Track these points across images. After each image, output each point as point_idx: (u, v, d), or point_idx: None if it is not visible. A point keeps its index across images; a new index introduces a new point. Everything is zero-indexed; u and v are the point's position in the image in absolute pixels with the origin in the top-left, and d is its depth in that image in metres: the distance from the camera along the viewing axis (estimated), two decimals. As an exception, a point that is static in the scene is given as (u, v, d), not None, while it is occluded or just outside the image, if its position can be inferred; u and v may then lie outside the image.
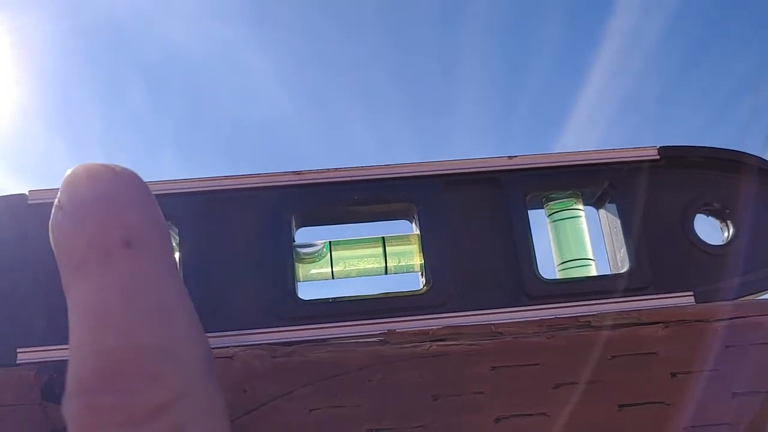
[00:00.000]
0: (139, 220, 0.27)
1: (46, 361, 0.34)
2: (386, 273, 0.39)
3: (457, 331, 0.36)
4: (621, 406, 0.35)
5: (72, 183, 0.27)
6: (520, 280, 0.38)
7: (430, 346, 0.35)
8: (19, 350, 0.34)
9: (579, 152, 0.41)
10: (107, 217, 0.26)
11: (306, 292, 0.38)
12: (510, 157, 0.40)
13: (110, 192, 0.27)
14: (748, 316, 0.37)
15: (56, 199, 0.27)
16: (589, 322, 0.37)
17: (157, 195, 0.37)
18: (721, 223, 0.42)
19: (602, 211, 0.42)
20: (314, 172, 0.39)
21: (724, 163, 0.42)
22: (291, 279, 0.37)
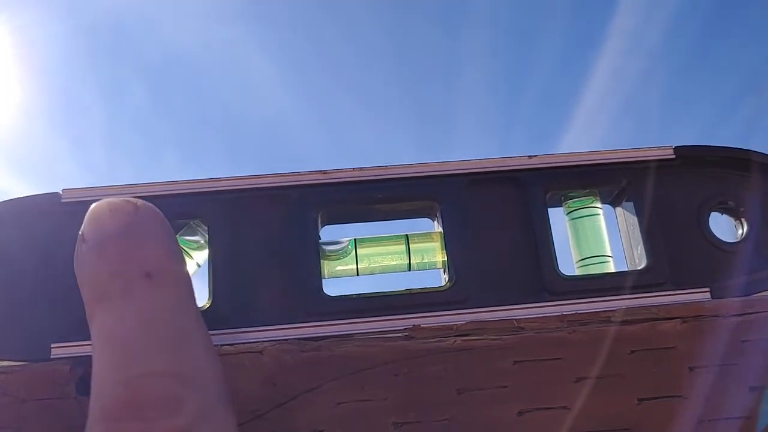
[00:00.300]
0: (159, 252, 0.28)
1: (80, 356, 0.35)
2: (410, 270, 0.40)
3: (480, 327, 0.37)
4: (640, 399, 0.36)
5: (95, 216, 0.28)
6: (540, 276, 0.39)
7: (454, 341, 0.36)
8: (53, 345, 0.35)
9: (597, 152, 0.42)
10: (128, 249, 0.28)
11: (332, 288, 0.38)
12: (530, 157, 0.41)
13: (131, 225, 0.28)
14: (764, 311, 0.38)
15: (80, 232, 0.28)
16: (609, 317, 0.37)
17: (186, 194, 0.38)
18: (735, 220, 0.43)
19: (619, 209, 0.43)
20: (339, 171, 0.39)
21: (738, 162, 0.43)
22: (317, 276, 0.38)
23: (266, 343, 0.35)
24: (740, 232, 0.42)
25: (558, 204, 0.43)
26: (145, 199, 0.37)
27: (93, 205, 0.29)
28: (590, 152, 0.42)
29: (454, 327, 0.37)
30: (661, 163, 0.42)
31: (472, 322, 0.37)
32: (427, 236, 0.40)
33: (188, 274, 0.30)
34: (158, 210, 0.30)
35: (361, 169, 0.40)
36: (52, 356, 0.35)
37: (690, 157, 0.42)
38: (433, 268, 0.40)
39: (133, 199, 0.29)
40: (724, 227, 0.43)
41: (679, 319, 0.38)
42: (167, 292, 0.28)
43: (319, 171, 0.39)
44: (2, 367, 0.35)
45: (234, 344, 0.35)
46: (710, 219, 0.42)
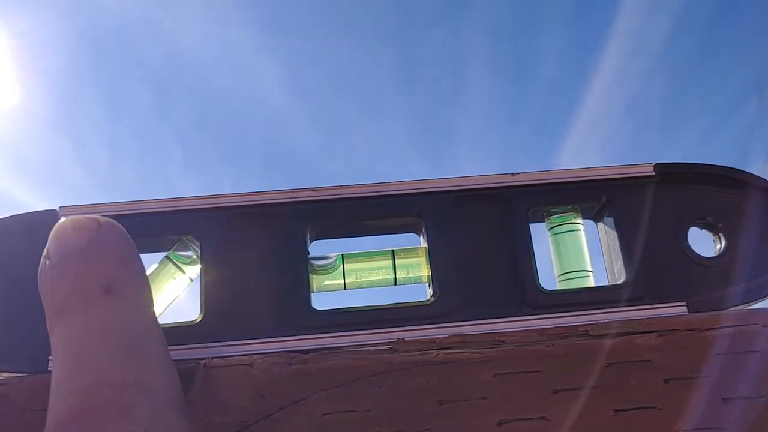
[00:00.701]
0: (119, 268, 0.30)
1: None
2: (395, 284, 0.41)
3: (462, 340, 0.38)
4: (616, 410, 0.37)
5: (59, 234, 0.30)
6: (522, 290, 0.40)
7: (437, 354, 0.38)
8: (50, 358, 0.36)
9: (578, 169, 0.43)
10: (89, 265, 0.29)
11: (320, 302, 0.40)
12: (513, 174, 0.43)
13: (93, 242, 0.30)
14: (738, 326, 0.39)
15: (45, 250, 0.30)
16: (587, 331, 0.39)
17: (178, 211, 0.39)
18: (713, 236, 0.44)
19: (601, 225, 0.44)
20: (328, 189, 0.41)
21: (716, 179, 0.44)
22: (306, 290, 0.39)
23: (255, 356, 0.37)
24: (718, 247, 0.43)
25: (540, 220, 0.44)
26: (138, 216, 0.39)
27: (57, 223, 0.30)
28: (572, 169, 0.43)
29: (437, 340, 0.38)
30: (641, 180, 0.43)
31: (454, 335, 0.38)
32: (413, 251, 0.42)
33: (149, 287, 0.31)
34: (121, 227, 0.31)
35: (349, 186, 0.41)
36: (49, 368, 0.36)
37: (669, 174, 0.44)
38: (419, 283, 0.41)
39: (96, 216, 0.31)
40: (703, 243, 0.44)
41: (655, 333, 0.39)
42: (125, 306, 0.29)
43: (308, 188, 0.41)
44: (2, 378, 0.36)
45: (224, 357, 0.36)
46: (689, 234, 0.43)
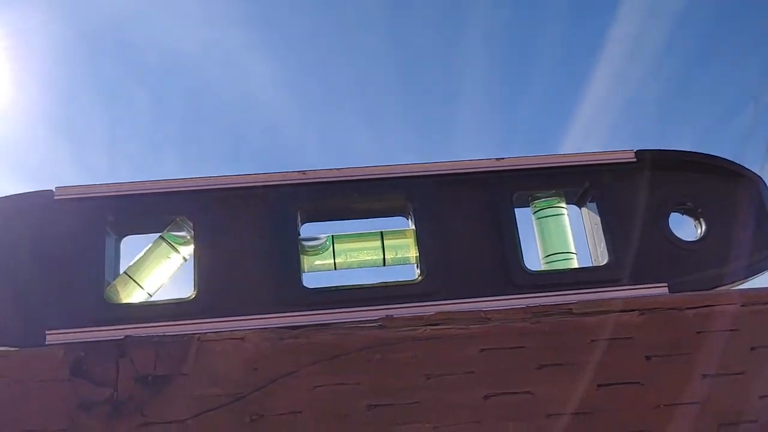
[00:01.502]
0: None
1: (73, 342, 0.37)
2: (384, 265, 0.42)
3: (448, 317, 0.39)
4: (600, 385, 0.38)
5: None
6: (507, 271, 0.41)
7: (424, 330, 0.39)
8: (47, 332, 0.37)
9: (562, 155, 0.45)
10: None
11: (311, 281, 0.41)
12: (498, 159, 0.44)
13: None
14: (718, 305, 0.40)
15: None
16: (571, 309, 0.40)
17: (173, 192, 0.40)
18: (694, 221, 0.45)
19: (584, 209, 0.45)
20: (318, 172, 0.42)
21: (696, 166, 0.46)
22: (297, 269, 0.40)
23: (248, 331, 0.38)
24: (699, 231, 0.45)
25: (526, 204, 0.45)
26: (134, 197, 0.40)
27: None
28: (555, 155, 0.45)
29: (424, 317, 0.39)
30: (623, 166, 0.45)
31: (440, 312, 0.39)
32: (401, 233, 0.43)
33: None
34: None
35: (338, 169, 0.42)
36: (47, 342, 0.37)
37: (651, 161, 0.45)
38: (407, 263, 0.42)
39: None
40: (685, 227, 0.45)
41: (636, 311, 0.40)
42: None
43: (299, 171, 0.42)
44: (1, 351, 0.37)
45: (217, 332, 0.37)
46: (670, 219, 0.45)
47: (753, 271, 0.44)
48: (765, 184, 0.45)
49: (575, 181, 0.44)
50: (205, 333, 0.37)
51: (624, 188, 0.44)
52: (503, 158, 0.44)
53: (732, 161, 0.46)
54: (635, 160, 0.45)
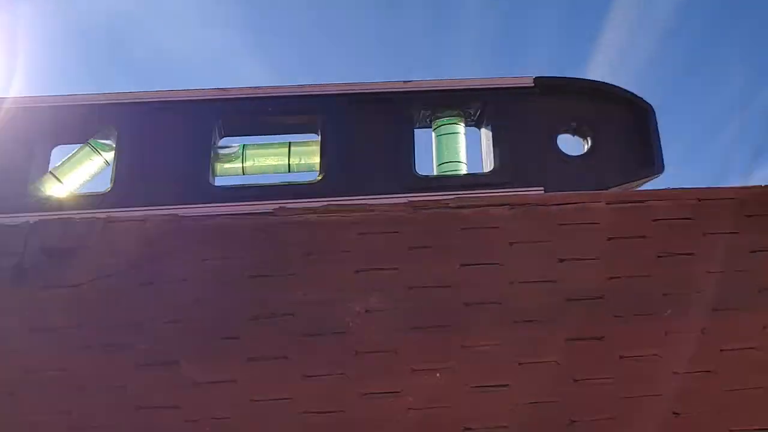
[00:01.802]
0: None
1: None
2: (289, 171, 0.48)
3: (337, 209, 0.44)
4: (462, 265, 0.42)
5: None
6: (400, 175, 0.46)
7: (311, 217, 0.44)
8: None
9: (464, 79, 0.50)
10: None
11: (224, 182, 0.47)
12: (405, 82, 0.49)
13: None
14: (584, 202, 0.44)
15: None
16: (448, 204, 0.44)
17: (101, 104, 0.48)
18: (582, 140, 0.49)
19: (483, 130, 0.50)
20: (237, 89, 0.49)
21: (592, 92, 0.50)
22: (207, 171, 0.46)
23: (149, 213, 0.44)
24: (584, 148, 0.48)
25: (429, 126, 0.50)
26: (69, 108, 0.48)
27: None
28: (458, 79, 0.50)
29: (315, 209, 0.44)
30: (521, 90, 0.49)
31: (331, 205, 0.45)
32: (307, 144, 0.49)
33: None
34: None
35: (256, 87, 0.49)
36: None
37: (548, 86, 0.50)
38: (311, 170, 0.48)
39: None
40: (576, 146, 0.49)
41: (508, 206, 0.44)
42: None
43: (219, 88, 0.48)
44: None
45: (123, 211, 0.44)
46: (560, 139, 0.48)
47: (627, 184, 0.47)
48: (653, 111, 0.49)
49: (473, 102, 0.49)
50: (111, 213, 0.44)
51: (519, 110, 0.49)
52: (410, 81, 0.49)
53: (625, 89, 0.50)
54: (533, 85, 0.49)
